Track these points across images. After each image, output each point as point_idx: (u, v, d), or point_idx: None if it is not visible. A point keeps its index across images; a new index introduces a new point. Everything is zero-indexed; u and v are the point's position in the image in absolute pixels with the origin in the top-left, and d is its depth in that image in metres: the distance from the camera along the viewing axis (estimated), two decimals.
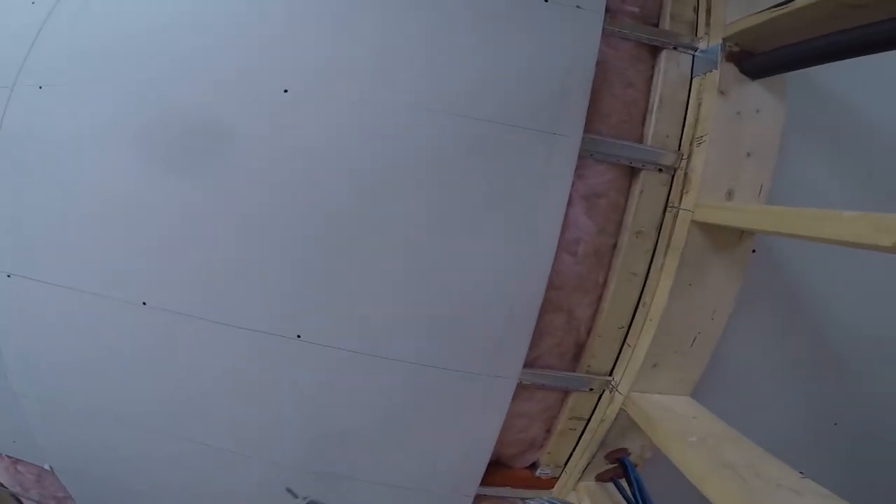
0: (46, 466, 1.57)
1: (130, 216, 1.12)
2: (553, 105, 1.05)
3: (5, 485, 1.77)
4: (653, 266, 1.24)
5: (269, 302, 1.18)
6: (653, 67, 1.21)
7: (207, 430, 1.31)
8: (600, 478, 1.47)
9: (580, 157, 1.10)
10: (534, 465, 1.52)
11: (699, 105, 1.14)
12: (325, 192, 1.10)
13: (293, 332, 1.19)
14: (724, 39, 1.15)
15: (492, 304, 1.19)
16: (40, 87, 1.14)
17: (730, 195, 1.13)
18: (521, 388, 1.34)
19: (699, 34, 1.23)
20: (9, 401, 1.33)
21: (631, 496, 1.40)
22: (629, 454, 1.43)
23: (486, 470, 1.44)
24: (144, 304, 1.14)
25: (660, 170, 1.16)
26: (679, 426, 1.19)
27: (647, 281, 1.26)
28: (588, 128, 1.09)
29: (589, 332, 1.32)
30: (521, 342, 1.24)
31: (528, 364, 1.30)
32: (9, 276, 1.14)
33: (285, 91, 1.06)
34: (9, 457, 1.65)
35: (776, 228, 0.97)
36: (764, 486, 0.98)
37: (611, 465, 1.45)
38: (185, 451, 1.28)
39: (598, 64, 1.10)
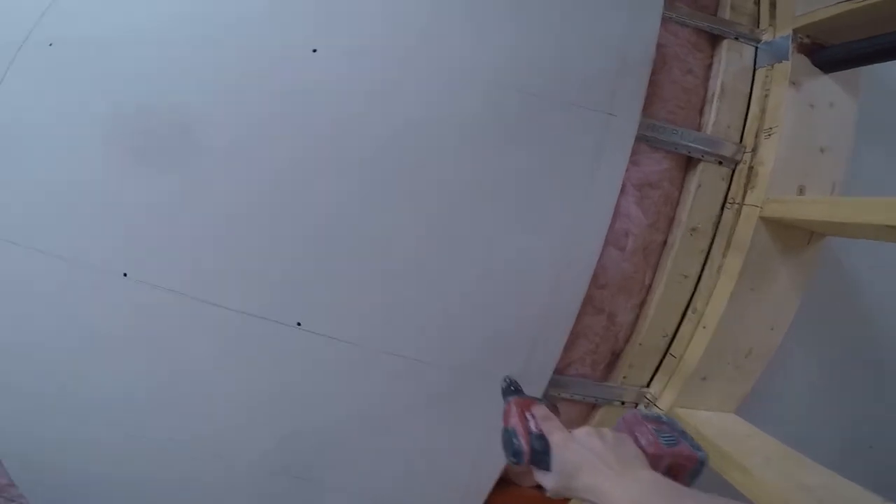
0: None
1: (119, 188, 1.02)
2: (610, 83, 0.97)
3: None
4: (707, 268, 1.14)
5: (269, 286, 1.07)
6: (712, 57, 1.13)
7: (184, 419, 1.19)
8: None
9: (636, 141, 1.01)
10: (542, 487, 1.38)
11: (765, 96, 1.06)
12: (343, 167, 1.00)
13: (293, 319, 1.08)
14: (795, 31, 1.09)
15: (527, 298, 1.07)
16: None
17: (801, 192, 1.04)
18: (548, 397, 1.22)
19: (762, 26, 1.17)
20: None
21: None
22: None
23: (494, 487, 1.30)
24: (125, 275, 1.03)
25: (720, 162, 1.07)
26: (739, 446, 1.06)
27: (699, 285, 1.15)
28: (645, 111, 1.01)
29: (628, 340, 1.20)
30: (555, 347, 1.11)
31: (558, 371, 1.18)
32: None
33: (314, 51, 0.97)
34: None
35: (857, 219, 0.86)
36: None
37: None
38: (159, 441, 1.15)
39: (657, 47, 1.02)
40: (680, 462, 0.71)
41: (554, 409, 0.86)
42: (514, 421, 0.82)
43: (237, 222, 1.04)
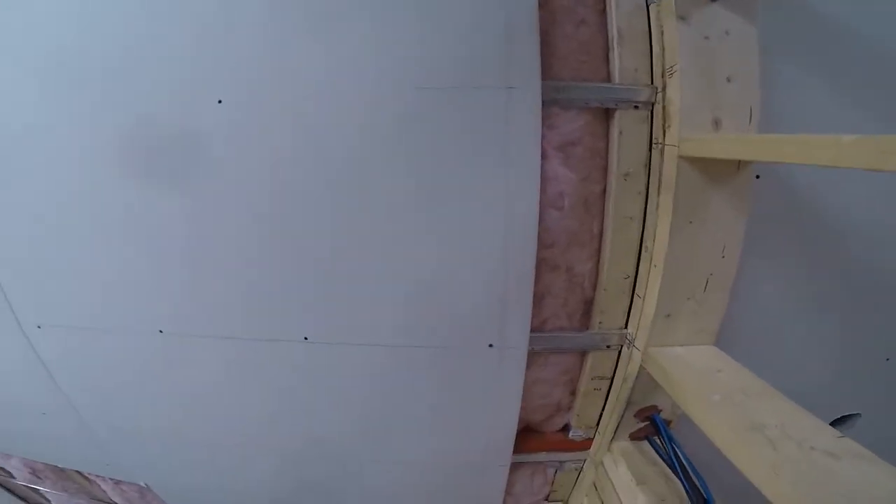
0: (142, 483, 1.72)
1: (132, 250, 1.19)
2: (500, 57, 1.00)
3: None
4: (648, 208, 1.18)
5: (273, 311, 1.22)
6: (603, 1, 1.11)
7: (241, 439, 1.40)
8: (634, 437, 1.41)
9: (545, 106, 1.05)
10: (566, 428, 1.49)
11: (661, 33, 1.06)
12: (304, 194, 1.11)
13: (300, 335, 1.23)
14: None
15: (485, 275, 1.17)
16: None
17: (717, 124, 1.05)
18: (534, 356, 1.32)
19: None
20: (87, 432, 1.46)
21: (665, 454, 1.34)
22: (660, 411, 1.37)
23: (519, 437, 1.43)
24: (161, 332, 1.22)
25: (636, 107, 1.10)
26: (701, 383, 1.12)
27: (646, 224, 1.19)
28: (547, 75, 1.04)
29: (594, 287, 1.27)
30: (523, 309, 1.21)
31: (536, 329, 1.28)
32: (39, 327, 1.26)
33: (220, 102, 1.05)
34: (111, 479, 1.82)
35: (769, 157, 0.88)
36: (796, 449, 0.90)
37: (642, 424, 1.39)
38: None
39: (542, 5, 1.03)
40: None
41: None
42: None
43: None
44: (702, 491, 1.23)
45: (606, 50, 1.09)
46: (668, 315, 1.22)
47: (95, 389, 1.35)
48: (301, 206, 1.13)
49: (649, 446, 1.40)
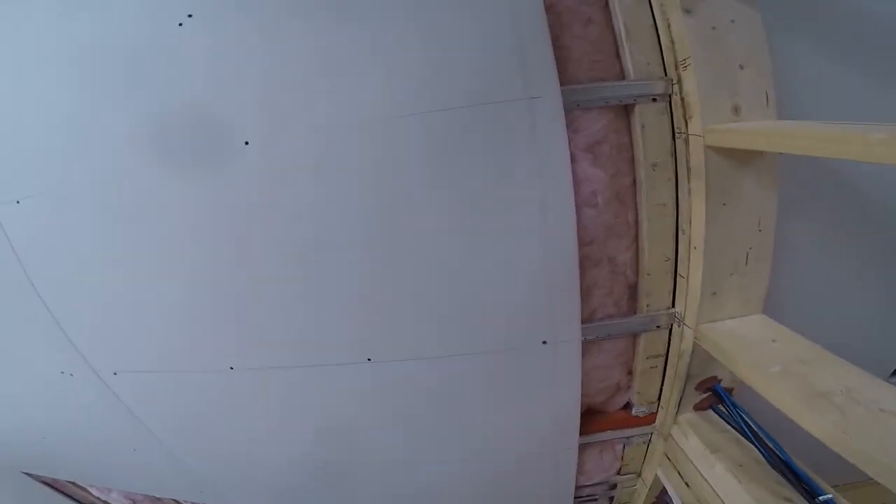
0: None
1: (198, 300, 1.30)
2: (517, 69, 1.04)
3: None
4: (680, 193, 1.21)
5: (335, 336, 1.32)
6: None
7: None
8: (698, 407, 1.46)
9: (567, 111, 1.09)
10: (628, 406, 1.55)
11: (668, 26, 1.09)
12: (345, 226, 1.19)
13: (364, 356, 1.33)
14: None
15: (529, 279, 1.23)
16: None
17: (736, 111, 1.08)
18: (587, 345, 1.37)
19: None
20: (175, 463, 1.62)
21: (734, 421, 1.38)
22: (720, 381, 1.41)
23: (583, 420, 1.50)
24: (232, 368, 1.34)
25: (654, 100, 1.13)
26: (758, 355, 1.16)
27: (679, 208, 1.23)
28: (564, 79, 1.08)
29: (637, 273, 1.32)
30: (572, 305, 1.27)
31: (587, 320, 1.34)
32: (115, 373, 1.40)
33: (246, 143, 1.12)
34: None
35: (795, 151, 0.90)
36: (865, 413, 0.93)
37: (705, 395, 1.44)
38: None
39: (547, 10, 1.05)
40: None
41: None
42: None
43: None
44: (777, 453, 1.27)
45: (616, 46, 1.12)
46: (714, 293, 1.26)
47: (176, 425, 1.49)
48: (344, 237, 1.20)
49: (715, 415, 1.44)
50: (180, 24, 1.09)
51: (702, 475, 1.40)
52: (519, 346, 1.32)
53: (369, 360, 1.33)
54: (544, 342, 1.32)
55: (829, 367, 1.08)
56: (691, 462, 1.44)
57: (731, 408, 1.38)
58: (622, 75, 1.13)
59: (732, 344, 1.23)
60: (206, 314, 1.31)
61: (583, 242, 1.23)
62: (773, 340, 1.22)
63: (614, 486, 1.74)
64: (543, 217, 1.17)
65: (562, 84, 1.08)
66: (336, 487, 1.64)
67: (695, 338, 1.31)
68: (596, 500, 1.75)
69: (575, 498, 1.69)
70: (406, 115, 1.09)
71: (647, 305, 1.35)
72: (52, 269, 1.27)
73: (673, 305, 1.36)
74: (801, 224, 1.25)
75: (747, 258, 1.22)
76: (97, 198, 1.18)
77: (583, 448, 1.58)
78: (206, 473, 1.68)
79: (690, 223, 1.21)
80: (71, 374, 1.40)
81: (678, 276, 1.31)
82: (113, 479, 1.93)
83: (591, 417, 1.55)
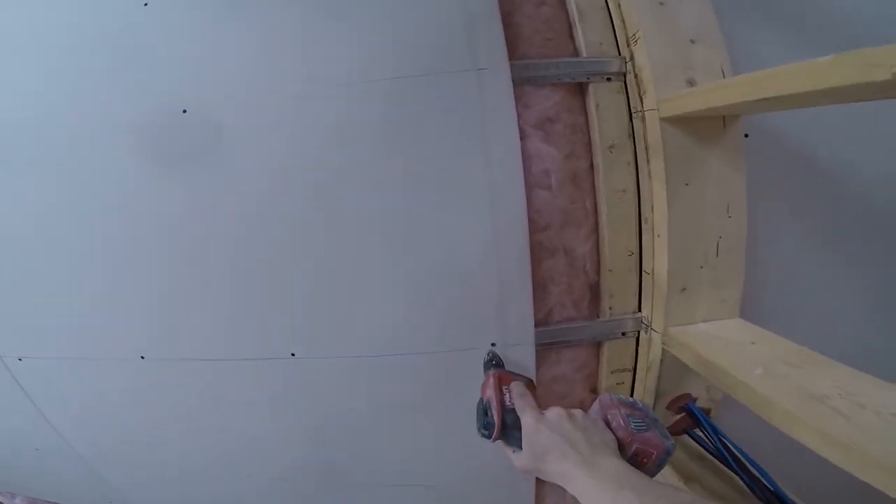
0: None
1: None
2: (466, 40, 1.03)
3: None
4: (640, 178, 1.15)
5: (258, 328, 1.20)
6: None
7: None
8: (671, 431, 1.29)
9: (517, 85, 1.06)
10: None
11: (619, 6, 1.10)
12: (288, 210, 1.12)
13: (287, 351, 1.19)
14: None
15: (477, 265, 1.13)
16: None
17: (691, 84, 1.05)
18: (544, 352, 1.24)
19: None
20: (82, 467, 1.42)
21: (712, 446, 1.21)
22: (695, 399, 1.26)
23: None
24: (143, 357, 1.20)
25: (608, 79, 1.10)
26: (736, 358, 1.02)
27: (641, 196, 1.16)
28: (514, 54, 1.07)
29: (598, 271, 1.22)
30: (524, 299, 1.15)
31: (542, 322, 1.21)
32: (20, 359, 1.25)
33: (184, 111, 1.08)
34: None
35: (749, 96, 0.84)
36: (875, 418, 0.77)
37: (678, 416, 1.27)
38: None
39: None
40: (647, 450, 0.73)
41: (531, 386, 0.88)
42: (490, 393, 0.84)
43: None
44: (763, 480, 1.10)
45: (570, 27, 1.12)
46: (684, 288, 1.15)
47: (82, 420, 1.32)
48: (278, 217, 1.13)
49: (692, 441, 1.27)
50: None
51: None
52: (465, 346, 1.18)
53: (293, 354, 1.19)
54: (493, 344, 1.18)
55: (822, 370, 0.94)
56: None
57: (708, 429, 1.21)
58: (576, 55, 1.12)
59: (705, 346, 1.09)
60: (119, 298, 1.19)
61: (536, 227, 1.14)
62: (752, 343, 1.09)
63: None
64: (492, 192, 1.09)
65: (512, 59, 1.06)
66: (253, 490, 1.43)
67: (663, 343, 1.18)
68: None
69: None
70: (358, 85, 1.06)
71: (610, 308, 1.23)
72: None
73: (639, 309, 1.24)
74: (780, 220, 1.17)
75: (717, 248, 1.13)
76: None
77: (541, 482, 1.38)
78: (118, 481, 1.47)
79: (653, 210, 1.14)
80: None
81: (643, 272, 1.21)
82: (18, 483, 1.69)
83: None
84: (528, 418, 0.76)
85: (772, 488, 1.06)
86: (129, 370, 1.19)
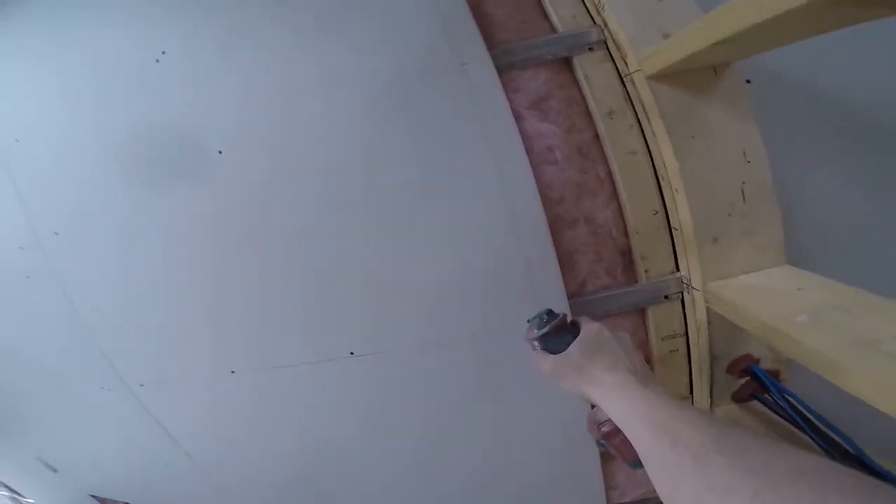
0: None
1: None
2: (445, 40, 1.11)
3: None
4: (648, 139, 1.14)
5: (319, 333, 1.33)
6: None
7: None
8: (738, 397, 1.21)
9: (501, 72, 1.13)
10: None
11: None
12: (303, 220, 1.24)
13: (346, 350, 1.31)
14: None
15: (497, 248, 1.19)
16: None
17: (666, 37, 1.06)
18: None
19: None
20: (206, 480, 1.65)
21: (782, 410, 1.11)
22: (757, 361, 1.17)
23: None
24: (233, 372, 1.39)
25: (590, 48, 1.13)
26: (779, 307, 0.96)
27: (653, 155, 1.15)
28: (493, 42, 1.13)
29: (626, 234, 1.21)
30: (550, 273, 1.18)
31: (575, 293, 1.22)
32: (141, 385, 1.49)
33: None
34: None
35: (719, 32, 0.84)
36: None
37: (743, 380, 1.18)
38: None
39: None
40: None
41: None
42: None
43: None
44: (840, 442, 0.99)
45: (541, 6, 1.17)
46: (716, 239, 1.11)
47: (197, 432, 1.53)
48: (326, 232, 1.24)
49: (762, 405, 1.17)
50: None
51: None
52: (501, 328, 1.23)
53: (352, 353, 1.31)
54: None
55: (876, 312, 0.85)
56: None
57: (775, 392, 1.11)
58: (553, 32, 1.17)
59: (745, 297, 1.04)
60: (215, 322, 1.41)
61: (551, 202, 1.18)
62: (799, 289, 1.01)
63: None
64: (500, 180, 1.16)
65: (492, 47, 1.14)
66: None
67: (706, 301, 1.13)
68: None
69: None
70: (355, 96, 1.17)
71: (647, 271, 1.21)
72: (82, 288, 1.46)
73: (678, 269, 1.20)
74: (817, 162, 1.09)
75: (743, 194, 1.08)
76: (113, 222, 1.36)
77: (609, 456, 1.33)
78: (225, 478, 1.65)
79: (666, 167, 1.12)
80: (109, 390, 1.55)
81: (672, 229, 1.18)
82: (156, 501, 1.96)
83: None
84: (593, 323, 0.80)
85: (853, 452, 0.95)
86: (225, 384, 1.40)
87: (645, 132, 1.15)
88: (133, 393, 1.53)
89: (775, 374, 1.15)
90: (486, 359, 1.26)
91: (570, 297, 1.20)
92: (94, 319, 1.48)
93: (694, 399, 1.25)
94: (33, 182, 1.38)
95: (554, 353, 0.81)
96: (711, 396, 1.20)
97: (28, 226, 1.41)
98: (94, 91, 1.30)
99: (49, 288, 1.46)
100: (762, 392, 1.16)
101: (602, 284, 1.23)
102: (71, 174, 1.35)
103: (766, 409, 1.16)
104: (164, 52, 1.23)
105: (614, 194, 1.20)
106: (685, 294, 1.20)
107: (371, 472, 1.49)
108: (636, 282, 1.22)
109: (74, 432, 1.75)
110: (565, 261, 1.20)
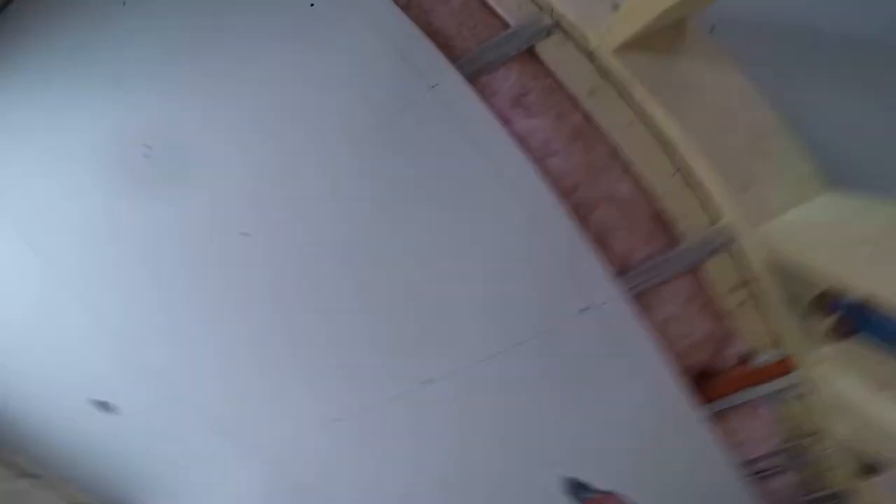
0: None
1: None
2: (408, 65, 1.12)
3: None
4: (637, 108, 1.06)
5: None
6: None
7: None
8: (836, 336, 1.08)
9: (473, 81, 1.13)
10: (747, 358, 1.23)
11: None
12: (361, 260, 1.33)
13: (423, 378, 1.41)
14: None
15: (527, 250, 1.21)
16: None
17: (616, 7, 0.98)
18: (644, 297, 1.21)
19: None
20: None
21: (887, 341, 0.98)
22: (841, 294, 1.02)
23: (702, 387, 1.26)
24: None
25: (548, 34, 1.07)
26: (835, 246, 0.89)
27: (648, 122, 1.06)
28: (454, 56, 1.12)
29: (651, 200, 1.14)
30: (587, 258, 1.17)
31: (623, 272, 1.19)
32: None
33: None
34: None
35: None
36: None
37: (833, 316, 1.05)
38: None
39: (405, 8, 1.13)
40: None
41: None
42: None
43: None
44: None
45: (485, 5, 1.13)
46: (745, 185, 1.01)
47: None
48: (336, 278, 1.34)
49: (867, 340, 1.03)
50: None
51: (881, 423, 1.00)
52: (557, 324, 1.25)
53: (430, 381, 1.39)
54: (582, 310, 1.22)
55: None
56: (859, 405, 1.05)
57: (871, 324, 0.98)
58: (506, 27, 1.12)
59: (802, 237, 0.95)
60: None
61: (566, 190, 1.16)
62: (849, 218, 0.90)
63: (800, 453, 1.29)
64: (508, 185, 1.16)
65: (454, 60, 1.13)
66: None
67: (758, 245, 1.04)
68: (781, 472, 1.30)
69: (752, 474, 1.31)
70: (336, 144, 1.23)
71: (685, 230, 1.13)
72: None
73: (717, 221, 1.10)
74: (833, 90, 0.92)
75: (754, 133, 0.96)
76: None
77: (721, 416, 1.28)
78: None
79: (668, 131, 1.04)
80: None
81: (696, 184, 1.08)
82: None
83: (709, 381, 1.27)
84: None
85: None
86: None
87: (633, 102, 1.06)
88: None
89: (865, 305, 1.01)
90: (550, 355, 1.31)
91: (617, 275, 1.18)
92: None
93: (787, 345, 1.15)
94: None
95: None
96: (806, 339, 1.09)
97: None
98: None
99: None
100: (855, 326, 1.03)
101: (645, 254, 1.18)
102: None
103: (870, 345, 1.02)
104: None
105: (626, 166, 1.13)
106: (735, 245, 1.10)
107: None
108: (678, 243, 1.15)
109: None
110: (600, 241, 1.18)
